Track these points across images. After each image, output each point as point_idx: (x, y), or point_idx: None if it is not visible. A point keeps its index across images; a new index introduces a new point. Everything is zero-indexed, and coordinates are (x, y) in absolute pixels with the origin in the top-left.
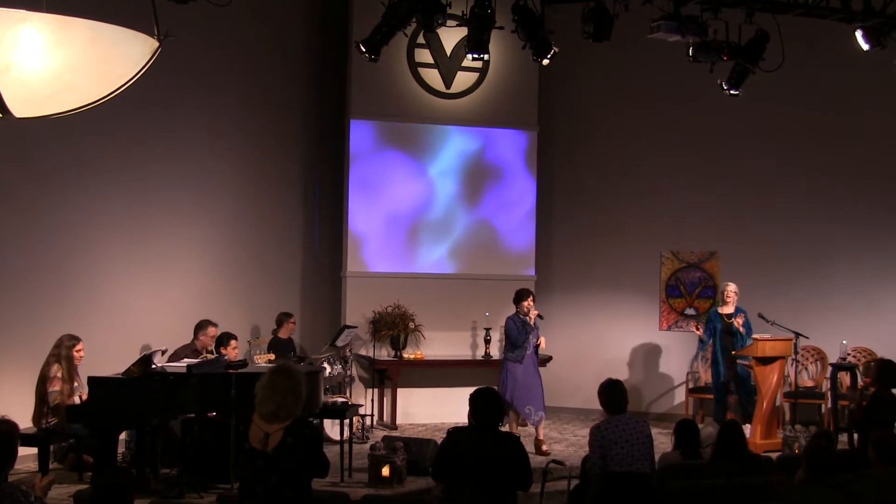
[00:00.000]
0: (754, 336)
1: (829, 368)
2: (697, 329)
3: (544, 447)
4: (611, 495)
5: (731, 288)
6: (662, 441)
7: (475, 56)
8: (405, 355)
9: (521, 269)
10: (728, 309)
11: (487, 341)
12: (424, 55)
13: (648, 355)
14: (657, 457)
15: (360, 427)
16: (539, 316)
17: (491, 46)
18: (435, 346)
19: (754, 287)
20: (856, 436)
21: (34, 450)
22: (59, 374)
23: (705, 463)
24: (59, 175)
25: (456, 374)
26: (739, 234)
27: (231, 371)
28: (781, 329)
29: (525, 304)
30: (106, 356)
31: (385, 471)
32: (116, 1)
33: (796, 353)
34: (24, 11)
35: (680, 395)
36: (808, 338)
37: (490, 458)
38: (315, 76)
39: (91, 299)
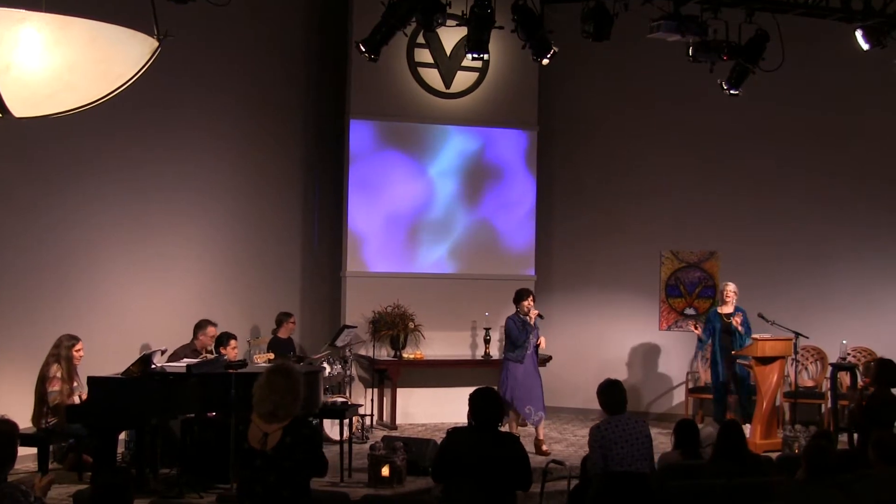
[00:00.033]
0: (754, 336)
1: (829, 368)
2: (696, 328)
3: (544, 447)
4: (611, 495)
5: (731, 287)
6: (662, 441)
7: (475, 56)
8: (405, 355)
9: (520, 268)
10: (727, 308)
11: (487, 341)
12: (424, 55)
13: (648, 355)
14: (657, 457)
15: (359, 427)
16: (539, 315)
17: (491, 46)
18: (435, 345)
19: (754, 287)
20: (856, 436)
21: (34, 450)
22: (59, 374)
23: (705, 463)
24: (58, 175)
25: (456, 374)
26: (739, 234)
27: (231, 371)
28: (781, 329)
29: (525, 303)
30: (105, 356)
31: (385, 471)
32: (116, 1)
33: (796, 352)
34: (24, 11)
35: (680, 395)
36: (808, 338)
37: (490, 458)
38: (314, 76)
39: (90, 299)
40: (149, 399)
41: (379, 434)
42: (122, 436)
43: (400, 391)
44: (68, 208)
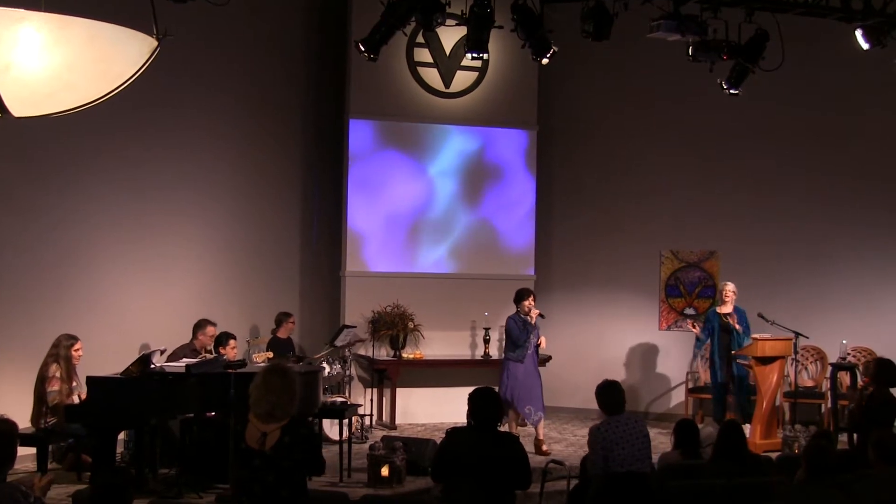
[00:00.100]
0: (754, 336)
1: (829, 368)
2: (694, 327)
3: (544, 447)
4: (611, 495)
5: (730, 287)
6: (662, 441)
7: (474, 55)
8: (404, 355)
9: (520, 268)
10: (727, 308)
11: (487, 341)
12: (424, 54)
13: (648, 355)
14: (657, 457)
15: (359, 427)
16: (541, 315)
17: (490, 46)
18: (434, 345)
19: (754, 287)
20: (855, 436)
21: (33, 450)
22: (58, 374)
23: (705, 463)
24: (57, 174)
25: (455, 373)
26: (739, 234)
27: (230, 371)
28: (781, 329)
29: (526, 303)
30: (105, 356)
31: (384, 471)
32: (115, 0)
33: (796, 352)
34: (23, 11)
35: (679, 395)
36: (807, 337)
37: (489, 458)
38: (314, 75)
39: (90, 299)
40: (148, 399)
41: (378, 434)
42: (122, 436)
43: (399, 391)
44: (67, 208)
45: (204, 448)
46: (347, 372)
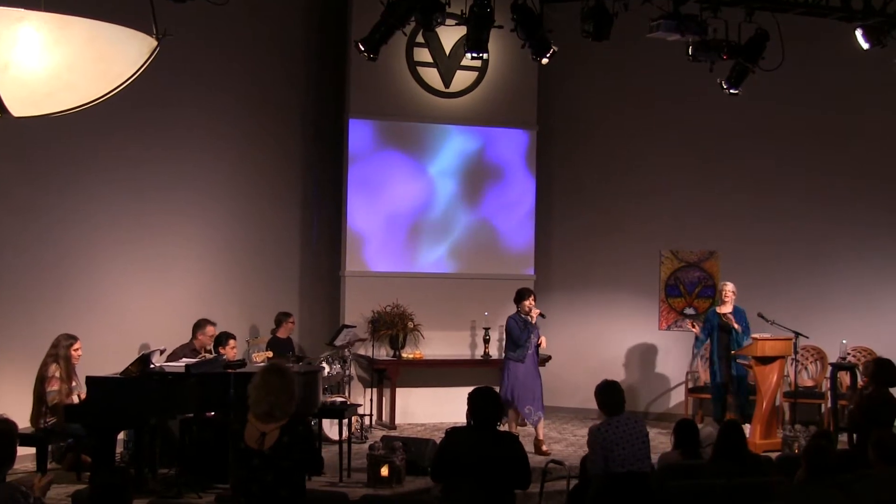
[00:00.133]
0: (754, 335)
1: (829, 368)
2: (693, 326)
3: (544, 447)
4: (611, 495)
5: (729, 287)
6: (662, 441)
7: (474, 55)
8: (404, 355)
9: (520, 268)
10: (726, 308)
11: (486, 341)
12: (423, 54)
13: (647, 355)
14: (657, 456)
15: (358, 427)
16: (541, 315)
17: (490, 45)
18: (434, 345)
19: (754, 286)
20: (855, 436)
21: (32, 450)
22: (58, 374)
23: (705, 463)
24: (57, 174)
25: (455, 373)
26: (739, 234)
27: (229, 371)
28: (781, 329)
29: (526, 303)
30: (104, 356)
31: (384, 471)
32: (115, 0)
33: (796, 352)
34: (23, 10)
35: (679, 395)
36: (807, 337)
37: (489, 458)
38: (314, 75)
39: (89, 299)
40: (147, 399)
41: (378, 434)
42: (121, 436)
43: (399, 391)
44: (67, 208)
45: (203, 448)
46: (347, 372)
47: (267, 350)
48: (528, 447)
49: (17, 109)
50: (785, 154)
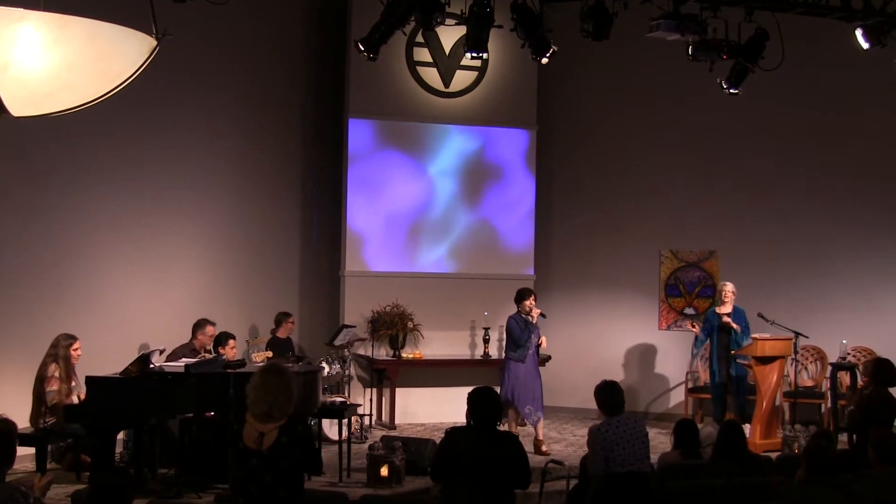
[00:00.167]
0: (754, 335)
1: (829, 368)
2: (693, 326)
3: (543, 447)
4: (611, 495)
5: (729, 288)
6: (662, 441)
7: (474, 55)
8: (404, 355)
9: (520, 268)
10: (726, 308)
11: (486, 341)
12: (423, 54)
13: (647, 355)
14: (657, 456)
15: (358, 427)
16: (542, 314)
17: (490, 45)
18: (434, 345)
19: (754, 286)
20: (854, 436)
21: (32, 450)
22: (57, 374)
23: (705, 463)
24: (56, 174)
25: (454, 373)
26: (739, 234)
27: (229, 371)
28: (781, 328)
29: (527, 303)
30: (104, 356)
31: (384, 471)
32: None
33: (796, 352)
34: (22, 10)
35: (679, 395)
36: (807, 337)
37: (488, 458)
38: (314, 75)
39: (89, 299)
40: (147, 399)
41: (378, 434)
42: (121, 435)
43: (399, 391)
44: (67, 208)
45: (203, 448)
46: (347, 372)
47: (267, 350)
48: (528, 447)
49: (16, 109)
50: (785, 154)
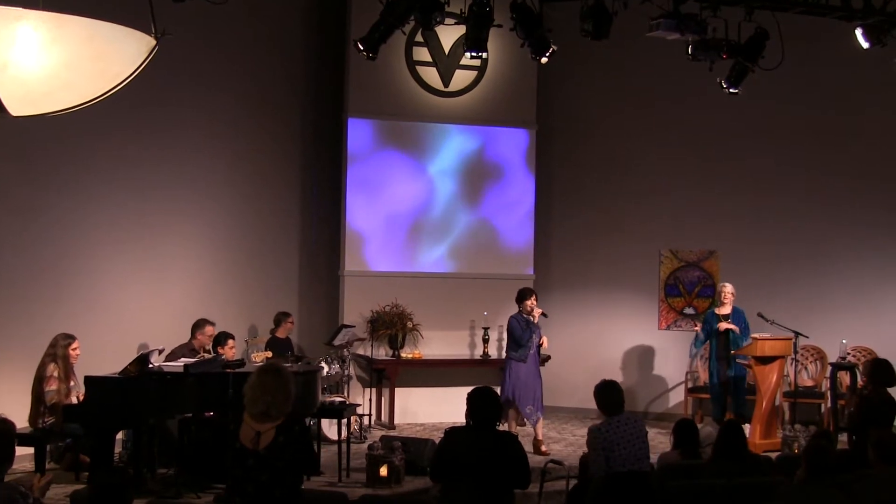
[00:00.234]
0: (753, 335)
1: (829, 368)
2: (696, 326)
3: (543, 447)
4: (611, 495)
5: (728, 288)
6: (661, 441)
7: (473, 54)
8: (403, 355)
9: (520, 268)
10: (725, 309)
11: (486, 340)
12: (423, 53)
13: (647, 355)
14: (655, 456)
15: (357, 427)
16: (543, 314)
17: (489, 45)
18: (433, 345)
19: (754, 286)
20: (854, 436)
21: (31, 449)
22: (56, 374)
23: (705, 463)
24: (55, 174)
25: (454, 373)
26: (739, 234)
27: (228, 371)
28: (781, 328)
29: (528, 303)
30: (103, 355)
31: (383, 471)
32: None
33: (796, 352)
34: (21, 9)
35: (679, 395)
36: (807, 337)
37: (488, 458)
38: (313, 74)
39: (88, 298)
40: (146, 399)
41: (377, 434)
42: (120, 435)
43: (398, 391)
44: (66, 207)
45: (202, 448)
46: (346, 371)
47: (266, 350)
48: (528, 447)
49: (15, 109)
50: (785, 154)
